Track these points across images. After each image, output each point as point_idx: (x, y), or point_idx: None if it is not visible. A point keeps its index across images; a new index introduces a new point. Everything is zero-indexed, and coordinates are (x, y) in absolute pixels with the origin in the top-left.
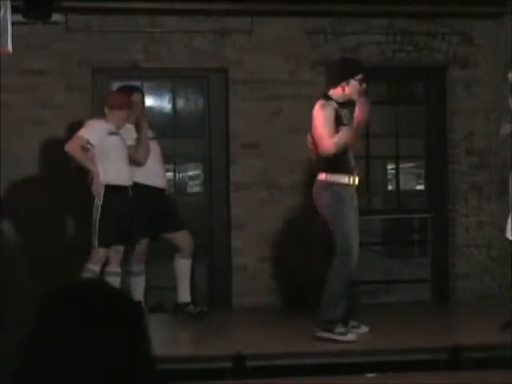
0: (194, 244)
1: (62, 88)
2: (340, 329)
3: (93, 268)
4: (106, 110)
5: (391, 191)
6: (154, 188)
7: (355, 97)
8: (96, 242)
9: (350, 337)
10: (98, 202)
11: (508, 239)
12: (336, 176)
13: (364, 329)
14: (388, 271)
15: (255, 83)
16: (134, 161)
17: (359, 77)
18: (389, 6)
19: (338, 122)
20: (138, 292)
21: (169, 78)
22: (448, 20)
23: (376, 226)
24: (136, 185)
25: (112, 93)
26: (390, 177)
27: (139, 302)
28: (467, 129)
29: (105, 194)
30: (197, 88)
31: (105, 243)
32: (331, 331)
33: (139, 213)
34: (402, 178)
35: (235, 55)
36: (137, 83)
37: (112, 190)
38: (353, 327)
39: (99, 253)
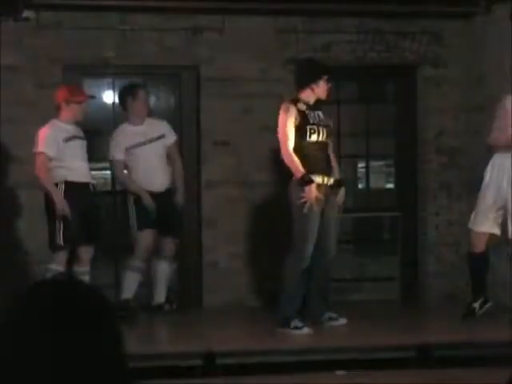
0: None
1: (33, 85)
2: (296, 323)
3: (56, 268)
4: (62, 104)
5: (362, 190)
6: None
7: (323, 96)
8: (61, 240)
9: (306, 330)
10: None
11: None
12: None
13: (342, 321)
14: (358, 269)
15: (227, 81)
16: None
17: (326, 77)
18: (360, 6)
19: (305, 122)
20: (131, 288)
21: (140, 76)
22: (419, 20)
23: (346, 224)
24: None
25: (68, 86)
26: (360, 175)
27: (126, 301)
28: (437, 128)
29: (65, 191)
30: (168, 86)
31: (69, 241)
32: (287, 326)
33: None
34: (372, 176)
35: (207, 53)
36: (108, 80)
37: (72, 187)
38: (331, 319)
39: (61, 252)
